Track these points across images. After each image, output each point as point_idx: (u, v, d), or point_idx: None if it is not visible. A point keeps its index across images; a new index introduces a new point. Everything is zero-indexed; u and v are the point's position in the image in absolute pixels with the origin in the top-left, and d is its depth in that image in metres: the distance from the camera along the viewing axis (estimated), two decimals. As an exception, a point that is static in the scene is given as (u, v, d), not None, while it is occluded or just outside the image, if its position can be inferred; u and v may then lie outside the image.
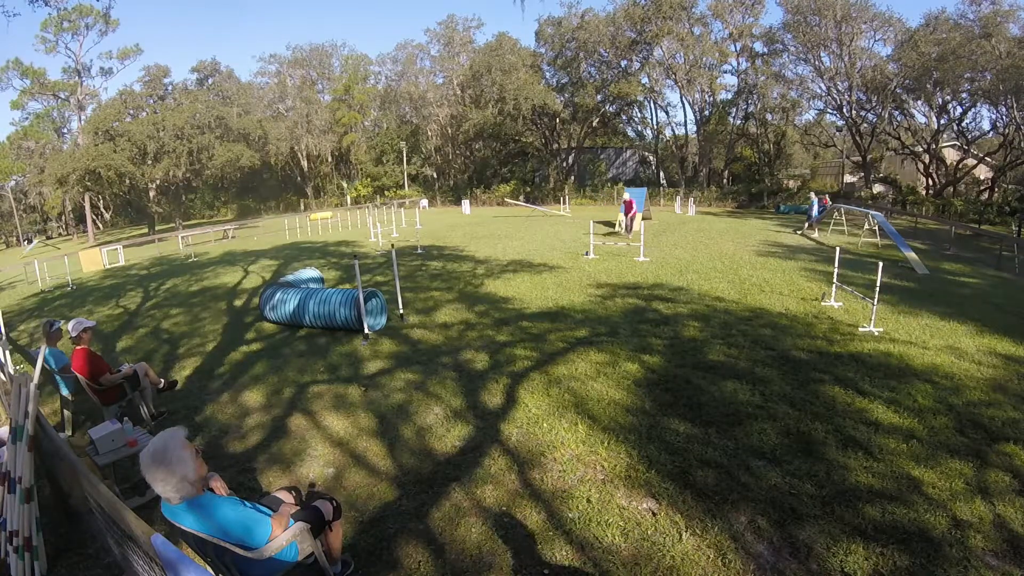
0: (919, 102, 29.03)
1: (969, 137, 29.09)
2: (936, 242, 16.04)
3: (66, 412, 4.84)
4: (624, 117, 42.59)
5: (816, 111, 34.27)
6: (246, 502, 2.42)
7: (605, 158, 44.01)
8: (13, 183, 46.70)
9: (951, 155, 29.97)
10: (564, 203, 30.82)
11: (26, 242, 43.75)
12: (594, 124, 40.64)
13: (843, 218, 17.78)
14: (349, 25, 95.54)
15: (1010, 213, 21.30)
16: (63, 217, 51.23)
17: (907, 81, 27.67)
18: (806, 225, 17.99)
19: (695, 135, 37.34)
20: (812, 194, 19.51)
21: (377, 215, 24.98)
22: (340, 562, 2.77)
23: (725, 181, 37.34)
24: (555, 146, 41.97)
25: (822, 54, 30.18)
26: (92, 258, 20.27)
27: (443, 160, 48.15)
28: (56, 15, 35.99)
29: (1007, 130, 26.20)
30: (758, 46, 33.53)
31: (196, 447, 2.24)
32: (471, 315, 7.84)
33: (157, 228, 39.66)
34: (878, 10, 28.32)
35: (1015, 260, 12.13)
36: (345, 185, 48.48)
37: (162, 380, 5.09)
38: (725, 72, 35.36)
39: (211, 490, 2.38)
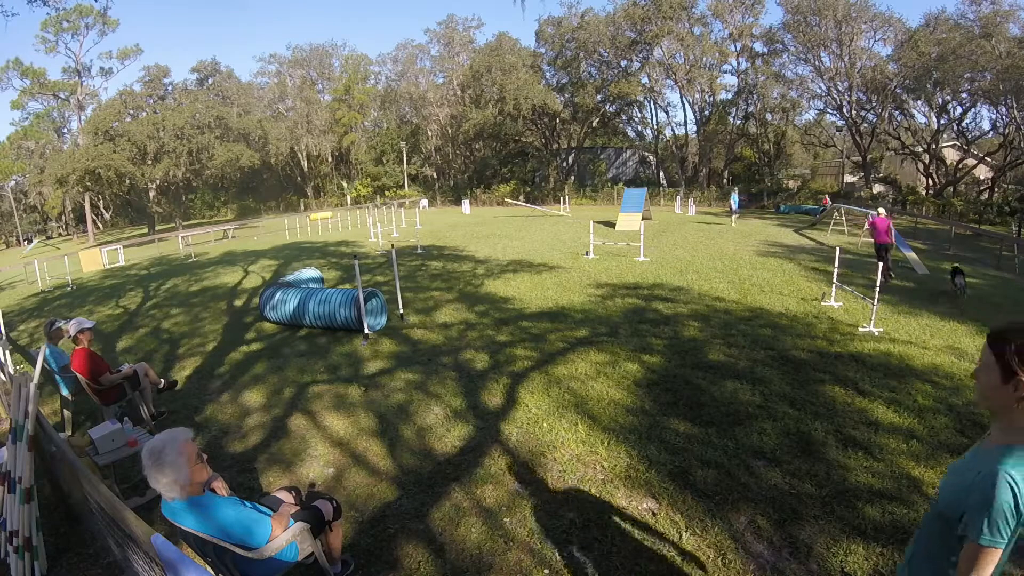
0: (919, 102, 29.05)
1: (969, 137, 29.11)
2: (936, 242, 16.04)
3: (66, 412, 4.84)
4: (624, 117, 42.63)
5: (816, 111, 34.36)
6: (246, 502, 2.42)
7: (605, 158, 44.03)
8: (13, 183, 46.72)
9: (951, 155, 29.99)
10: (564, 203, 30.83)
11: (26, 242, 43.75)
12: (594, 124, 40.65)
13: (843, 218, 17.79)
14: (349, 25, 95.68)
15: (1010, 213, 21.31)
16: (63, 217, 51.21)
17: (907, 81, 27.69)
18: (733, 216, 20.71)
19: (695, 135, 37.35)
20: (735, 189, 23.98)
21: (377, 215, 24.98)
22: (340, 562, 2.77)
23: (725, 181, 37.34)
24: (555, 146, 41.98)
25: (822, 54, 30.20)
26: (92, 258, 20.27)
27: (443, 160, 48.17)
28: (56, 15, 35.98)
29: (1007, 130, 26.21)
30: (758, 46, 33.59)
31: (199, 451, 2.22)
32: (471, 315, 7.84)
33: (157, 228, 39.66)
34: (878, 10, 28.38)
35: (1015, 260, 12.13)
36: (345, 185, 48.49)
37: (162, 380, 5.09)
38: (725, 72, 35.43)
39: (212, 491, 2.37)
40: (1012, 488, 1.21)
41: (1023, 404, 1.24)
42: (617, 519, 3.12)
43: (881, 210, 11.27)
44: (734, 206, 21.00)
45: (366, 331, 6.92)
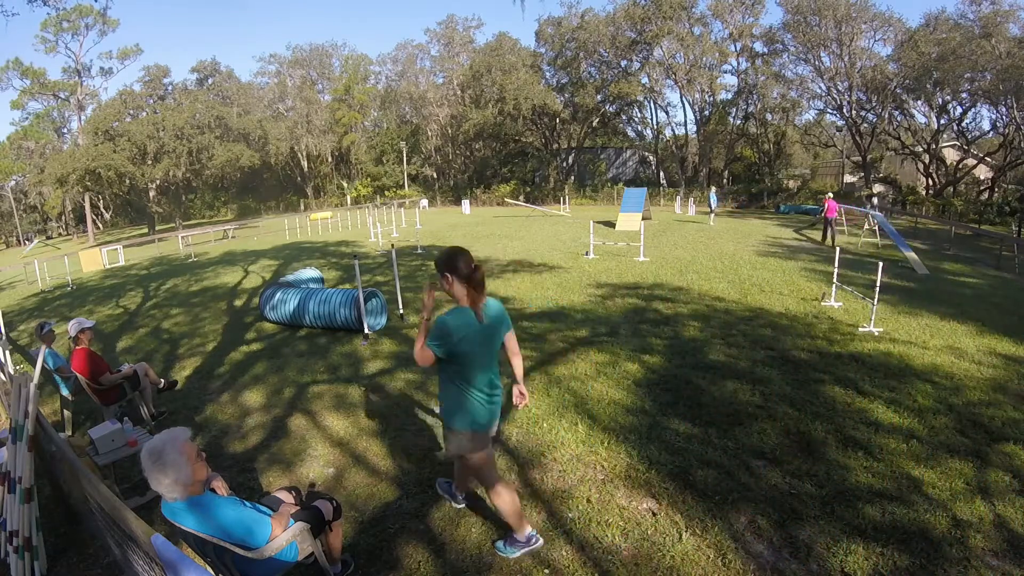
0: (919, 102, 29.05)
1: (969, 137, 29.10)
2: (936, 242, 16.04)
3: (66, 412, 4.84)
4: (624, 117, 42.64)
5: (816, 111, 34.36)
6: (246, 502, 2.42)
7: (605, 158, 44.04)
8: (13, 183, 46.73)
9: (951, 155, 29.99)
10: (564, 203, 30.83)
11: (26, 242, 43.75)
12: (594, 124, 40.66)
13: (843, 218, 17.79)
14: (349, 25, 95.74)
15: (1010, 213, 21.32)
16: (63, 217, 51.23)
17: (907, 81, 27.69)
18: (711, 215, 21.32)
19: (695, 135, 37.36)
20: (714, 189, 24.71)
21: (377, 215, 24.99)
22: (340, 562, 2.77)
23: (725, 181, 37.36)
24: (555, 146, 41.98)
25: (822, 54, 30.20)
26: (92, 258, 20.29)
27: (443, 160, 48.18)
28: (56, 15, 36.02)
29: (1007, 130, 26.21)
30: (758, 46, 33.60)
31: (199, 450, 2.23)
32: (471, 315, 7.82)
33: (157, 228, 39.68)
34: (878, 10, 28.39)
35: (1015, 260, 12.14)
36: (345, 185, 48.50)
37: (162, 380, 5.09)
38: (725, 72, 35.44)
39: (212, 490, 2.37)
40: (444, 321, 2.57)
41: (456, 297, 2.65)
42: (617, 519, 3.12)
43: (830, 194, 16.17)
44: (712, 205, 21.40)
45: (366, 331, 6.92)
